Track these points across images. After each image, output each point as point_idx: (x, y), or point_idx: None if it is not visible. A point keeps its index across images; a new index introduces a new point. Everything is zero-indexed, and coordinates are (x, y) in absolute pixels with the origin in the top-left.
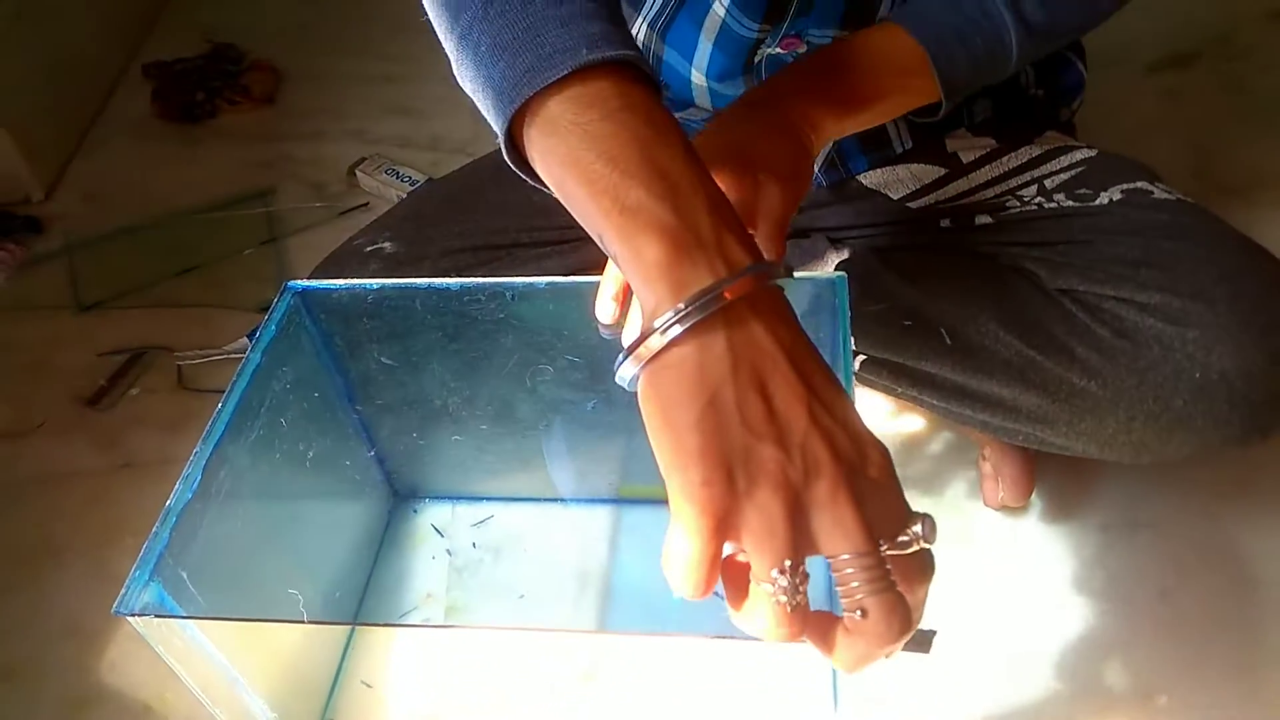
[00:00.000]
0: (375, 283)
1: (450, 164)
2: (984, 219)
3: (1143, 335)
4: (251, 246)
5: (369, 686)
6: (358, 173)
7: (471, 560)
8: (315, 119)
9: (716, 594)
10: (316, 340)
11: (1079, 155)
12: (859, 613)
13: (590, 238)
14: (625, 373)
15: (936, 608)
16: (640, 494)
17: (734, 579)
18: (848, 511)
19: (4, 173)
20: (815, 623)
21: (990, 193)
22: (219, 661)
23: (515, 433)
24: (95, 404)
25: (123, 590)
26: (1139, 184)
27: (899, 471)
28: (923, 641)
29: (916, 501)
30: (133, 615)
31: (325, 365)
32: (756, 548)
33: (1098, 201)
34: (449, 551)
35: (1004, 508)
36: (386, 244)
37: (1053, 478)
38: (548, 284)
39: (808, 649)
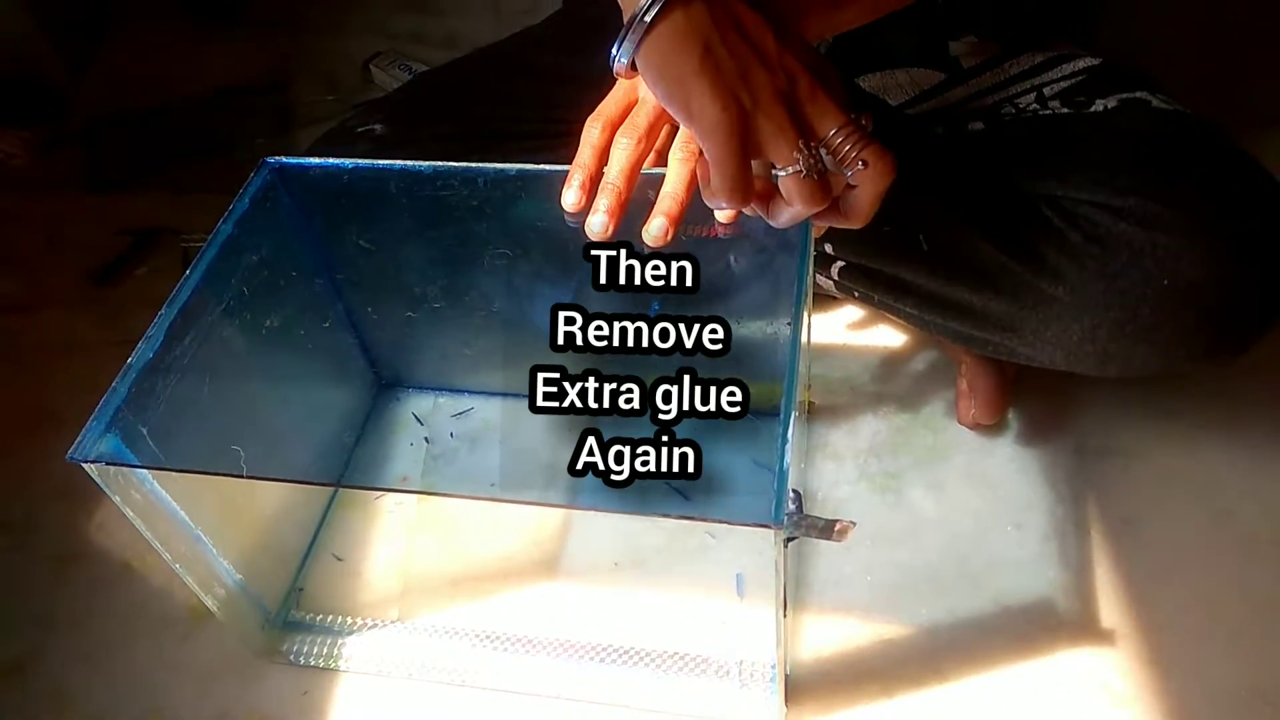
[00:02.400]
0: (349, 162)
1: None
2: (976, 125)
3: (1114, 240)
4: (264, 136)
5: (340, 560)
6: (371, 67)
7: (448, 449)
8: (335, 12)
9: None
10: (294, 216)
11: (1082, 64)
12: (861, 164)
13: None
14: (624, 54)
15: (898, 514)
16: None
17: (763, 198)
18: (826, 101)
19: (28, 55)
20: (831, 197)
21: (988, 100)
22: (181, 518)
23: (494, 326)
24: (103, 281)
25: (78, 438)
26: (1138, 94)
27: (880, 389)
28: (842, 531)
29: (892, 418)
30: (86, 462)
31: (304, 244)
32: (774, 142)
33: (1092, 109)
34: (427, 439)
35: (976, 425)
36: (378, 125)
37: (1033, 400)
38: (519, 171)
39: None
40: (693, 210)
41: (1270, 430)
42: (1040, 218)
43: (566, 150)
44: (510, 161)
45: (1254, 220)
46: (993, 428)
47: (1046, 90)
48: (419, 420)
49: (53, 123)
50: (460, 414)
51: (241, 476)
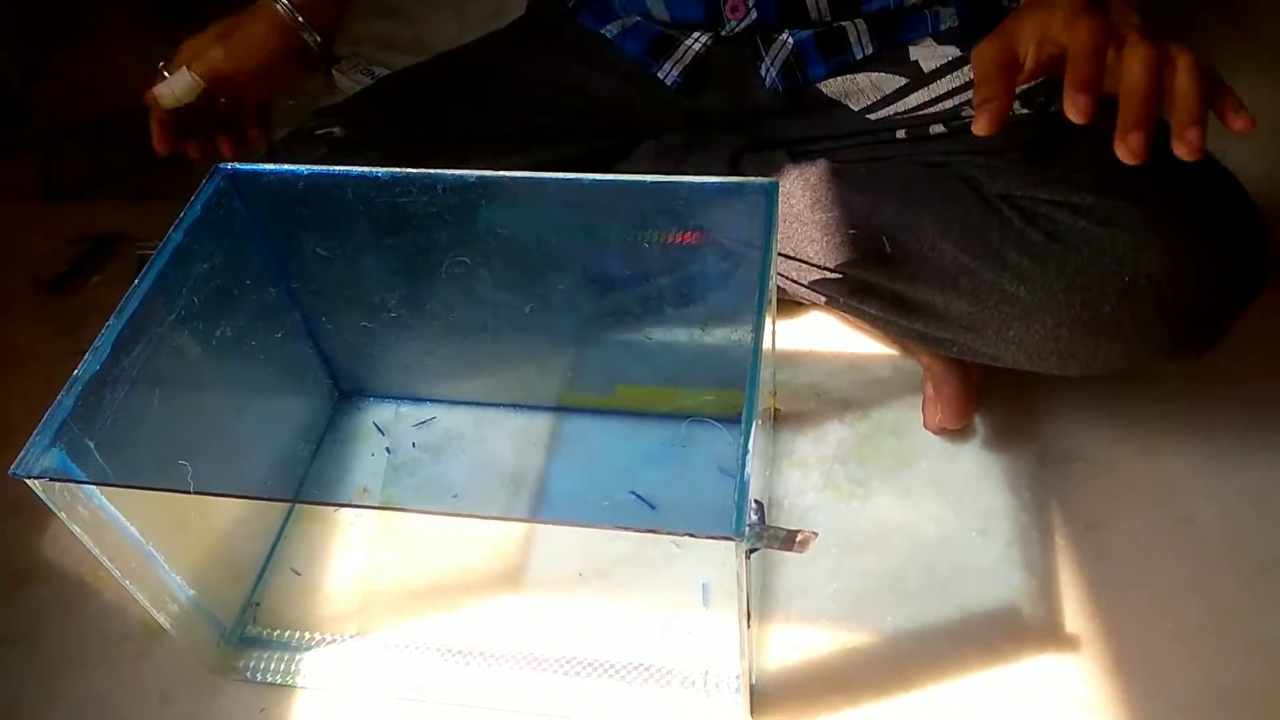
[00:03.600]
0: (305, 168)
1: None
2: (938, 129)
3: (1074, 238)
4: None
5: (298, 574)
6: (334, 72)
7: (410, 459)
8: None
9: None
10: (248, 224)
11: None
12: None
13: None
14: None
15: (863, 521)
16: (579, 403)
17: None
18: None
19: None
20: None
21: (949, 103)
22: (130, 534)
23: (456, 334)
24: (58, 290)
25: (21, 453)
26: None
27: (846, 395)
28: (803, 542)
29: (858, 425)
30: (30, 478)
31: (259, 252)
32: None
33: (1053, 109)
34: (389, 450)
35: (942, 430)
36: (336, 128)
37: (997, 407)
38: (479, 178)
39: None
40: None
41: (1230, 437)
42: (1001, 217)
43: (531, 154)
44: (471, 165)
45: (1212, 215)
46: (958, 433)
47: None
48: (380, 430)
49: (9, 129)
50: (422, 423)
51: (190, 492)
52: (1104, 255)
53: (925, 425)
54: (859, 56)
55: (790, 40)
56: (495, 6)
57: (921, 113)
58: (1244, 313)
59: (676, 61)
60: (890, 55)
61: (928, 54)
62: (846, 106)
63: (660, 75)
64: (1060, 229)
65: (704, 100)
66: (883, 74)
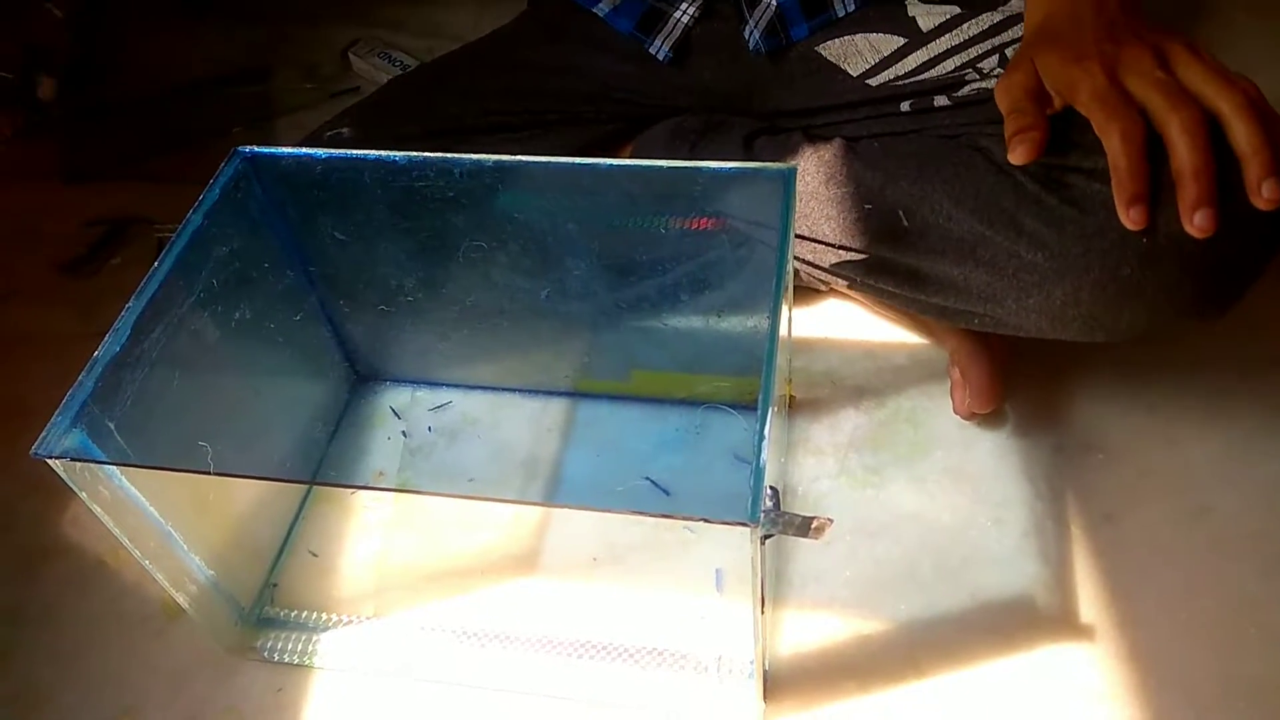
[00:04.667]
0: (323, 152)
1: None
2: (942, 100)
3: (1090, 201)
4: (242, 125)
5: (315, 556)
6: (350, 55)
7: (426, 443)
8: (313, 1)
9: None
10: (267, 208)
11: None
12: None
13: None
14: None
15: (878, 509)
16: (595, 388)
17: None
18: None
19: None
20: None
21: (950, 64)
22: (150, 514)
23: (472, 319)
24: (75, 272)
25: (43, 434)
26: None
27: (861, 383)
28: (819, 529)
29: (874, 412)
30: (51, 458)
31: (276, 235)
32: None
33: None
34: (404, 433)
35: (972, 415)
36: (345, 129)
37: (1017, 396)
38: (495, 162)
39: None
40: (675, 202)
41: (1250, 427)
42: (1015, 184)
43: (535, 144)
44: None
45: (1231, 169)
46: (975, 422)
47: (1009, 52)
48: (396, 414)
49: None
50: (438, 408)
51: (210, 473)
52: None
53: (955, 410)
54: (840, 14)
55: (774, 2)
56: None
57: (921, 76)
58: (1268, 265)
59: (666, 36)
60: (887, 14)
61: (924, 10)
62: (846, 72)
63: (651, 50)
64: (1075, 193)
65: (705, 74)
66: (880, 34)
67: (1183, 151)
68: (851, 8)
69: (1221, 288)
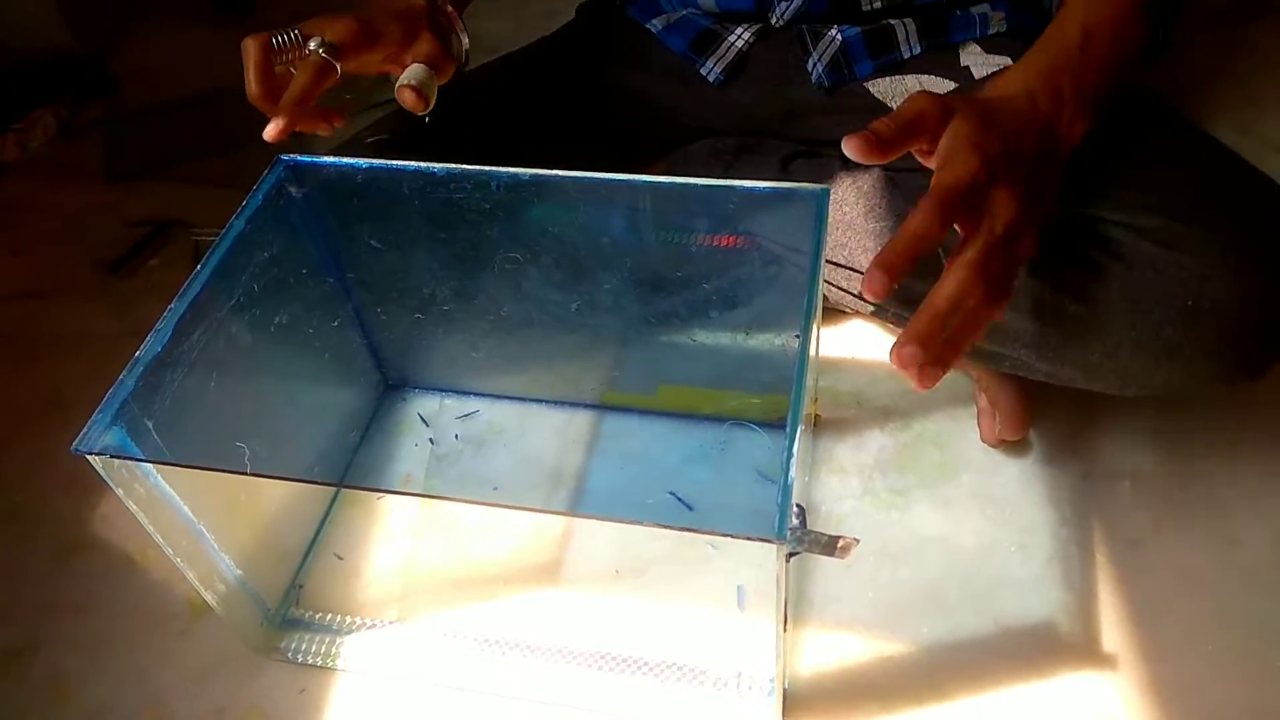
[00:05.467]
0: (364, 161)
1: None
2: None
3: (1137, 259)
4: None
5: (341, 558)
6: None
7: (453, 450)
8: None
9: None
10: (306, 215)
11: None
12: None
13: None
14: None
15: (902, 531)
16: (622, 402)
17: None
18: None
19: (50, 45)
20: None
21: None
22: (183, 513)
23: (502, 329)
24: (115, 272)
25: (84, 430)
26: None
27: (888, 404)
28: (845, 548)
29: (899, 434)
30: (91, 454)
31: (315, 242)
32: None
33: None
34: (432, 441)
35: (1001, 442)
36: (386, 135)
37: (1044, 423)
38: (532, 176)
39: None
40: (709, 220)
41: (1278, 459)
42: (1059, 234)
43: (575, 158)
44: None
45: (1276, 239)
46: (1001, 448)
47: None
48: (424, 421)
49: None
50: (465, 416)
51: (245, 474)
52: (1168, 278)
53: (983, 437)
54: (906, 56)
55: (839, 36)
56: (550, 7)
57: None
58: None
59: (719, 58)
60: (940, 58)
61: (978, 60)
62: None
63: (703, 71)
64: (1123, 249)
65: (746, 97)
66: (932, 77)
67: (948, 288)
68: (917, 50)
69: (1258, 356)
